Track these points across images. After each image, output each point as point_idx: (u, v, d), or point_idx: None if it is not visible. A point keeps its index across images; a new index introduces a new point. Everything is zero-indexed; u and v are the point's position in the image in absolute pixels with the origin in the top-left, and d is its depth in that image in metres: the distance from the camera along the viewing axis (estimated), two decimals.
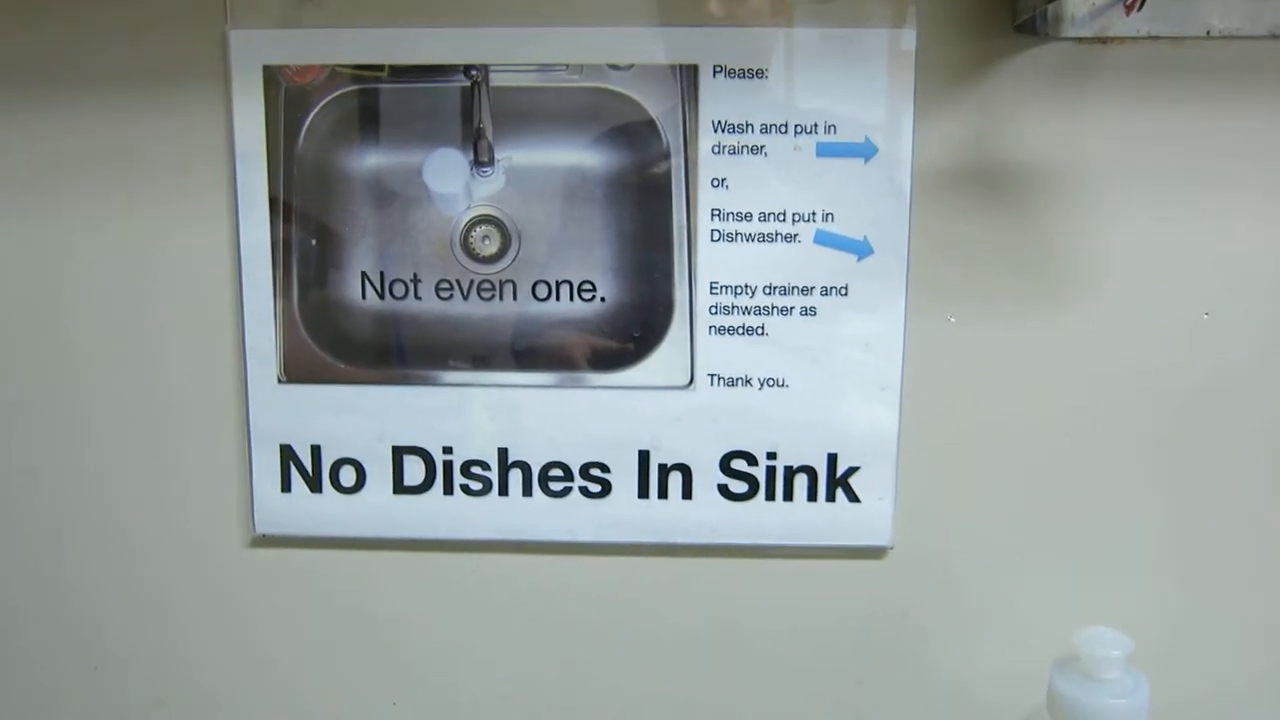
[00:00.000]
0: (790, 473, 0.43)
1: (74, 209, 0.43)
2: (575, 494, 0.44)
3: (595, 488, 0.44)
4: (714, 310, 0.42)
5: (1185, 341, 0.42)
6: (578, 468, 0.43)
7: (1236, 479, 0.43)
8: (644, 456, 0.43)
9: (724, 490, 0.43)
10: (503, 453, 0.43)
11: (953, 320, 0.43)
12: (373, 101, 0.41)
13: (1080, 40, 0.41)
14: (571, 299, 0.42)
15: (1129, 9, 0.38)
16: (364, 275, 0.42)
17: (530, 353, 0.43)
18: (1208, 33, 0.41)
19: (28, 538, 0.45)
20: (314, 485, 0.44)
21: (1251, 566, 0.44)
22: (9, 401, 0.44)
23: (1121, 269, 0.42)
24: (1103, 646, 0.35)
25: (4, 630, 0.46)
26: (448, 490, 0.44)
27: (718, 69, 0.41)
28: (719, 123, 0.41)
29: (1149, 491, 0.43)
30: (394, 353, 0.43)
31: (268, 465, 0.44)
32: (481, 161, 0.42)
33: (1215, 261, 0.42)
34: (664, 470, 0.43)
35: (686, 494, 0.43)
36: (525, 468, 0.44)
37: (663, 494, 0.43)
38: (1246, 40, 0.41)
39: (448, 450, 0.43)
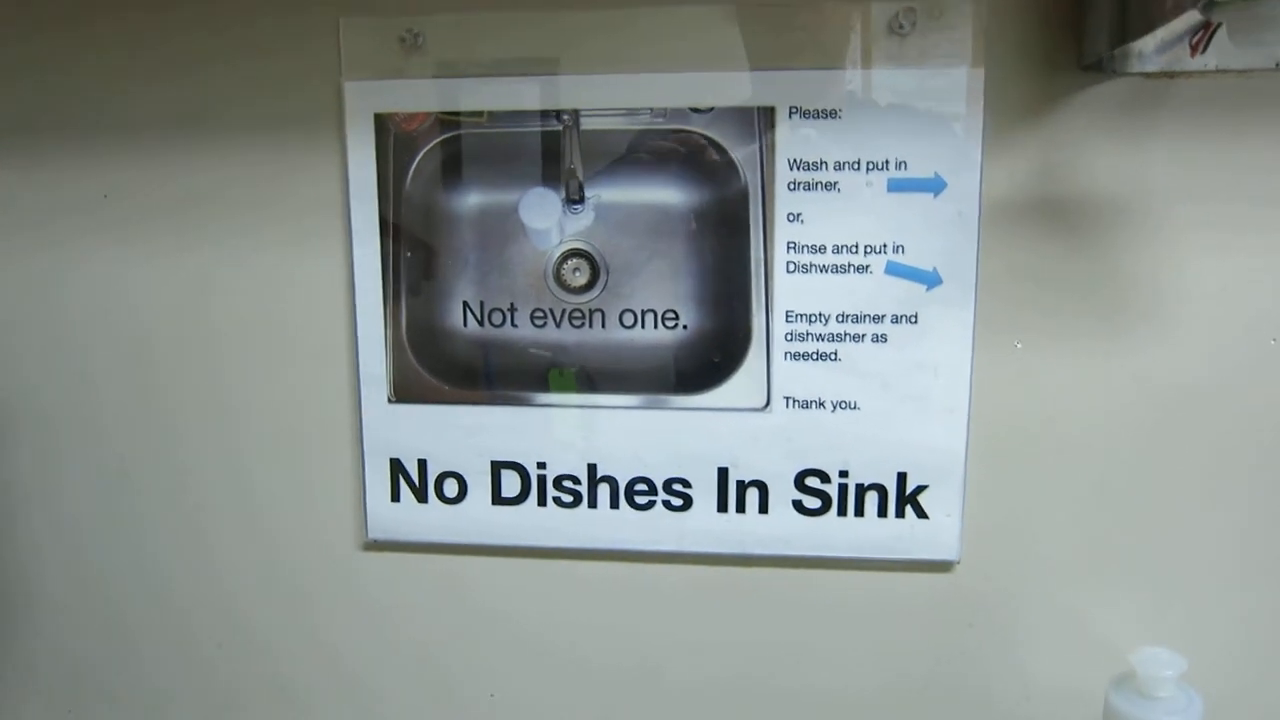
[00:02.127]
0: (861, 490, 0.46)
1: (212, 245, 0.47)
2: (659, 507, 0.47)
3: (677, 501, 0.47)
4: (789, 337, 0.45)
5: (1251, 367, 0.43)
6: (661, 483, 0.47)
7: None
8: (723, 474, 0.46)
9: (798, 505, 0.46)
10: (592, 468, 0.47)
11: (1019, 346, 0.45)
12: (473, 144, 0.45)
13: (1148, 75, 0.42)
14: (656, 326, 0.45)
15: (1194, 49, 0.40)
16: (465, 304, 0.46)
17: (618, 376, 0.46)
18: (1276, 65, 0.42)
19: (178, 530, 0.51)
20: (420, 496, 0.48)
21: None
22: (163, 411, 0.49)
23: (1187, 296, 0.43)
24: (1157, 666, 0.37)
25: (152, 605, 0.52)
26: (541, 502, 0.47)
27: (793, 110, 0.43)
28: (794, 160, 0.44)
29: (1212, 515, 0.45)
30: (493, 375, 0.47)
31: (379, 477, 0.48)
32: (573, 199, 0.45)
33: (1276, 288, 0.43)
34: (741, 486, 0.46)
35: (763, 509, 0.46)
36: (613, 482, 0.47)
37: (740, 508, 0.46)
38: None
39: (541, 465, 0.47)
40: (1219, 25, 0.38)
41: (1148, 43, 0.41)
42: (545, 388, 0.46)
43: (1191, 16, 0.37)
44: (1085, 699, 0.43)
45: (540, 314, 0.46)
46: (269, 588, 0.51)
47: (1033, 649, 0.46)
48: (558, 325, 0.46)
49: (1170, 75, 0.42)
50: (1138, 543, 0.45)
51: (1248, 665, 0.45)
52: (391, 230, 0.46)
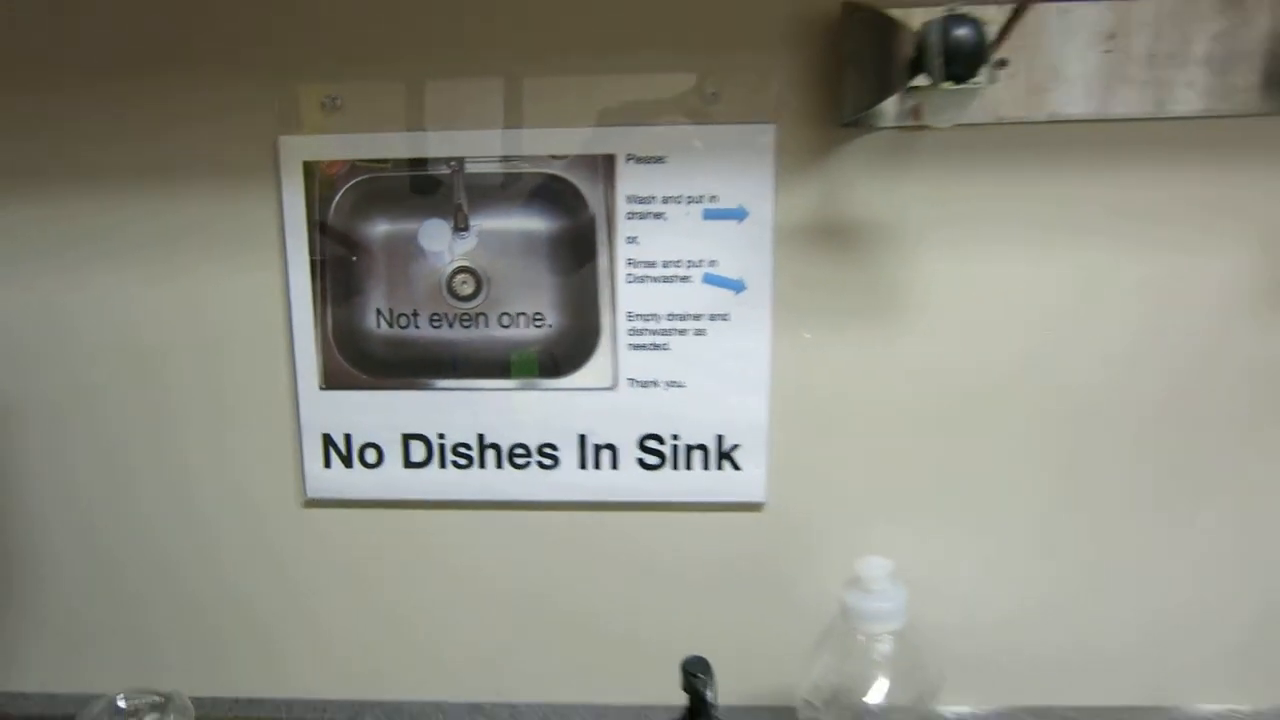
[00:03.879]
0: (689, 449, 0.59)
1: (181, 270, 0.59)
2: (533, 466, 0.60)
3: (548, 462, 0.60)
4: (630, 333, 0.58)
5: (980, 350, 0.57)
6: (535, 447, 0.60)
7: (1009, 456, 0.58)
8: (582, 439, 0.59)
9: (641, 463, 0.59)
10: (480, 437, 0.60)
11: (808, 336, 0.58)
12: (381, 185, 0.57)
13: (901, 129, 0.55)
14: (527, 326, 0.58)
15: (914, 114, 0.53)
16: (378, 310, 0.59)
17: (498, 365, 0.59)
18: (999, 120, 0.55)
19: (162, 499, 0.63)
20: (347, 463, 0.61)
21: (1012, 523, 0.59)
22: (153, 404, 0.61)
23: (935, 297, 0.57)
24: (872, 568, 0.50)
25: (142, 559, 0.64)
26: (442, 465, 0.60)
27: (630, 156, 0.56)
28: (631, 195, 0.57)
29: (955, 466, 0.59)
30: (402, 366, 0.59)
31: (314, 449, 0.61)
32: (460, 228, 0.57)
33: (1003, 289, 0.57)
34: (597, 449, 0.59)
35: (614, 465, 0.59)
36: (497, 448, 0.60)
37: (596, 466, 0.60)
38: (1028, 124, 0.55)
39: (441, 436, 0.60)
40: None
41: (886, 107, 0.54)
42: (440, 375, 0.59)
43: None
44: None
45: (437, 317, 0.58)
46: (237, 538, 0.63)
47: (823, 564, 0.59)
48: (450, 326, 0.58)
49: (918, 128, 0.56)
50: (901, 485, 0.59)
51: (949, 568, 0.59)
52: (318, 254, 0.58)
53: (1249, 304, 0.56)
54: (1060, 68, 0.53)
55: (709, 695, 0.49)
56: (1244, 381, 0.57)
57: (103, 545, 0.64)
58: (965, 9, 0.46)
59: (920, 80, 0.47)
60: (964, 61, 0.45)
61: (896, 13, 0.50)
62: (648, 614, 0.62)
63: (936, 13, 0.46)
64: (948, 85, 0.45)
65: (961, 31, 0.45)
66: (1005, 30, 0.46)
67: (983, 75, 0.45)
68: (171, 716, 0.55)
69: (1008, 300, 0.57)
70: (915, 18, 0.48)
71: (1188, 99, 0.53)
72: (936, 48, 0.45)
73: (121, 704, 0.55)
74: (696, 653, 0.50)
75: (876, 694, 0.50)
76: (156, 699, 0.56)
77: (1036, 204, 0.56)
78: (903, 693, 0.51)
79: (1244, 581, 0.59)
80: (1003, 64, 0.52)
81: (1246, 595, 0.59)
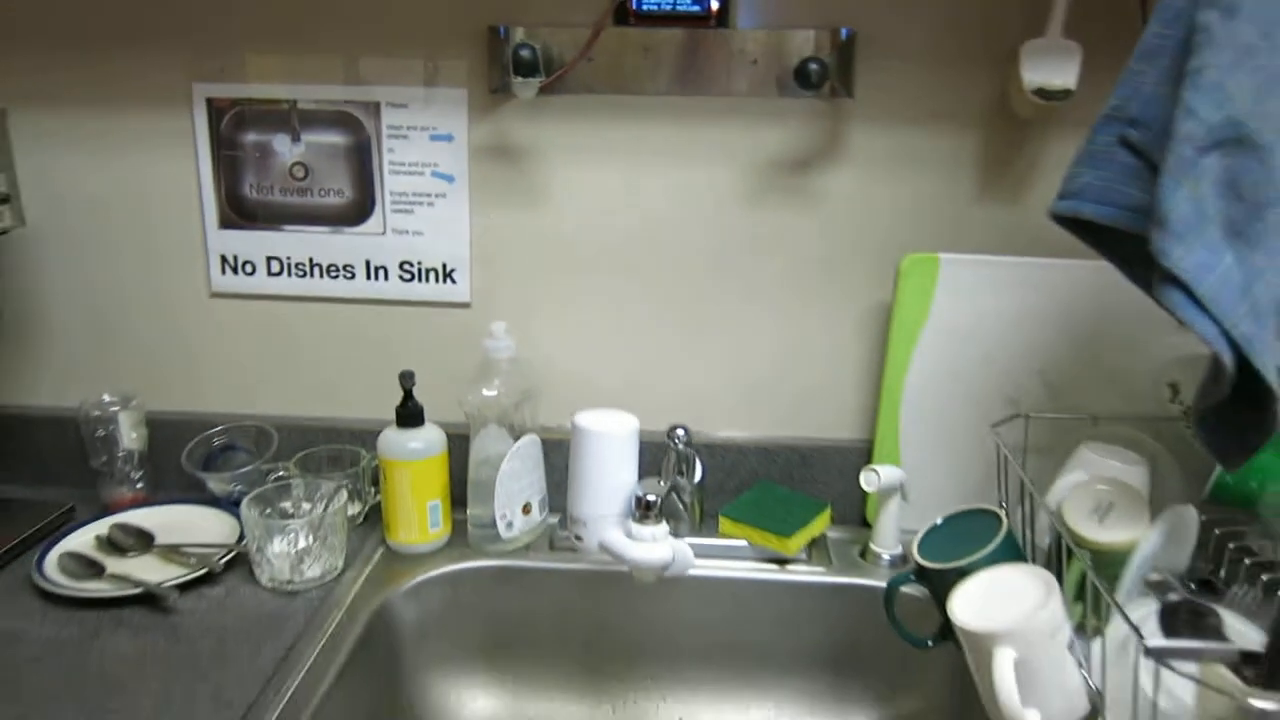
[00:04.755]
0: (427, 270, 1.06)
1: (131, 166, 1.04)
2: (341, 278, 1.06)
3: (348, 275, 1.06)
4: (392, 203, 1.04)
5: (590, 222, 1.04)
6: (341, 266, 1.06)
7: (610, 280, 1.05)
8: (368, 262, 1.06)
9: (400, 278, 1.06)
10: (309, 259, 1.06)
11: (492, 210, 1.04)
12: (251, 113, 1.02)
13: (539, 94, 1.01)
14: (334, 196, 1.04)
15: (543, 87, 0.98)
16: (250, 184, 1.04)
17: (319, 218, 1.05)
18: (589, 91, 1.00)
19: (120, 286, 1.09)
20: (235, 272, 1.07)
21: (618, 317, 1.06)
22: (135, 242, 1.07)
23: (563, 191, 1.02)
24: (497, 328, 0.98)
25: (96, 328, 1.11)
26: (289, 275, 1.06)
27: (388, 103, 1.01)
28: (390, 125, 1.02)
29: (577, 286, 1.05)
30: (265, 217, 1.05)
31: (215, 264, 1.07)
32: (295, 140, 1.03)
33: (603, 186, 1.03)
34: (375, 268, 1.06)
35: (385, 279, 1.06)
36: (320, 266, 1.06)
37: (375, 278, 1.06)
38: (597, 94, 1.00)
39: (288, 258, 1.06)
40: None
41: (524, 88, 0.99)
42: (287, 222, 1.05)
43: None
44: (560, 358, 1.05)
45: (283, 190, 1.04)
46: (177, 312, 1.10)
47: (509, 339, 1.07)
48: (290, 195, 1.04)
49: (551, 93, 1.01)
50: (543, 295, 1.06)
51: (577, 339, 1.07)
52: (216, 151, 1.03)
53: (734, 198, 1.02)
54: (621, 66, 0.98)
55: (413, 395, 0.97)
56: (738, 240, 1.04)
57: (91, 310, 1.11)
58: (544, 33, 0.91)
59: (514, 77, 0.92)
60: (526, 70, 0.90)
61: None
62: (400, 358, 1.09)
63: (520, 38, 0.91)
64: (518, 80, 0.91)
65: (524, 53, 0.90)
66: (584, 50, 0.92)
67: (537, 77, 0.91)
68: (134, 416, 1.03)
69: (606, 192, 1.03)
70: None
71: (729, 85, 0.98)
72: (511, 62, 0.90)
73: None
74: (406, 374, 0.98)
75: (491, 388, 0.98)
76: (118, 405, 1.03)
77: (609, 140, 1.01)
78: (510, 393, 0.99)
79: (744, 360, 1.07)
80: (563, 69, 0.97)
81: (747, 368, 1.07)
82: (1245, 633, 0.64)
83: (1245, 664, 0.57)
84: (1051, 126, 0.94)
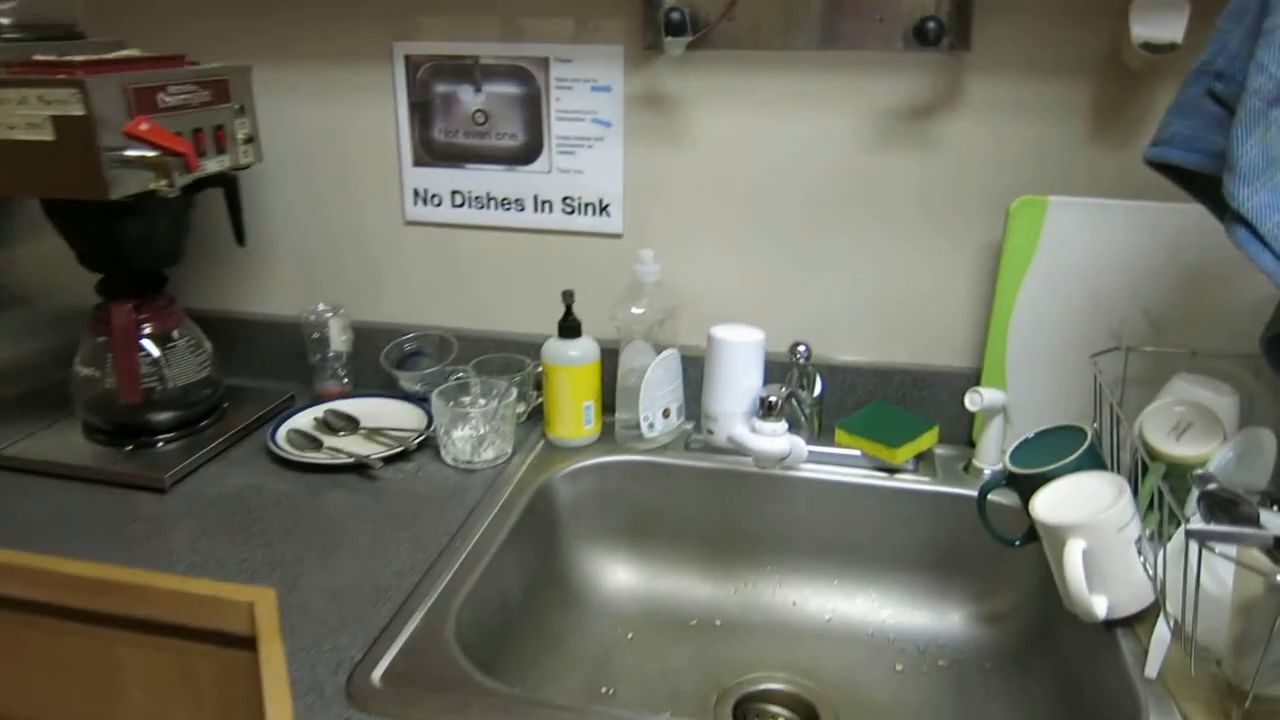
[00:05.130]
0: (585, 204, 1.22)
1: (341, 109, 1.24)
2: (512, 210, 1.24)
3: (518, 208, 1.23)
4: (558, 145, 1.20)
5: (735, 163, 1.17)
6: (512, 200, 1.23)
7: (753, 214, 1.18)
8: (535, 197, 1.22)
9: (563, 210, 1.22)
10: (486, 193, 1.24)
11: (643, 151, 1.19)
12: (442, 67, 1.20)
13: (687, 49, 1.14)
14: (508, 139, 1.21)
15: (691, 47, 1.11)
16: (439, 129, 1.22)
17: (496, 157, 1.22)
18: (732, 46, 1.13)
19: (340, 214, 1.30)
20: (425, 203, 1.26)
21: (758, 247, 1.19)
22: (343, 175, 1.28)
23: (712, 134, 1.16)
24: (645, 255, 1.12)
25: (319, 245, 1.32)
26: (470, 207, 1.24)
27: (556, 58, 1.17)
28: (557, 78, 1.17)
29: (725, 220, 1.19)
30: (450, 157, 1.23)
31: (409, 196, 1.26)
32: (477, 90, 1.20)
33: (747, 130, 1.15)
34: (544, 203, 1.23)
35: (550, 211, 1.23)
36: (495, 199, 1.24)
37: (541, 210, 1.23)
38: (740, 50, 1.12)
39: (469, 192, 1.24)
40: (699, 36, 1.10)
41: (670, 43, 1.12)
42: (469, 161, 1.23)
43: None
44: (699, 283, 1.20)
45: (466, 134, 1.21)
46: (376, 237, 1.30)
47: (655, 265, 1.22)
48: (471, 138, 1.21)
49: (692, 49, 1.14)
50: (693, 227, 1.20)
51: (722, 268, 1.21)
52: (412, 99, 1.22)
53: (857, 144, 1.13)
54: (759, 25, 1.10)
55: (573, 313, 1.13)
56: (859, 182, 1.15)
57: (309, 234, 1.32)
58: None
59: (665, 37, 1.06)
60: (675, 31, 1.03)
61: None
62: (561, 280, 1.26)
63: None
64: (669, 39, 1.04)
65: (674, 15, 1.03)
66: (726, 10, 1.04)
67: (685, 36, 1.04)
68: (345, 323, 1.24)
69: (743, 137, 1.16)
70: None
71: (855, 41, 1.09)
72: (662, 23, 1.03)
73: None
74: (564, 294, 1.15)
75: (639, 307, 1.13)
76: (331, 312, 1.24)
77: (747, 91, 1.14)
78: (655, 311, 1.14)
79: (863, 291, 1.19)
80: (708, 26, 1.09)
81: (866, 298, 1.19)
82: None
83: (1278, 548, 0.67)
84: (1159, 78, 1.00)
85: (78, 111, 0.90)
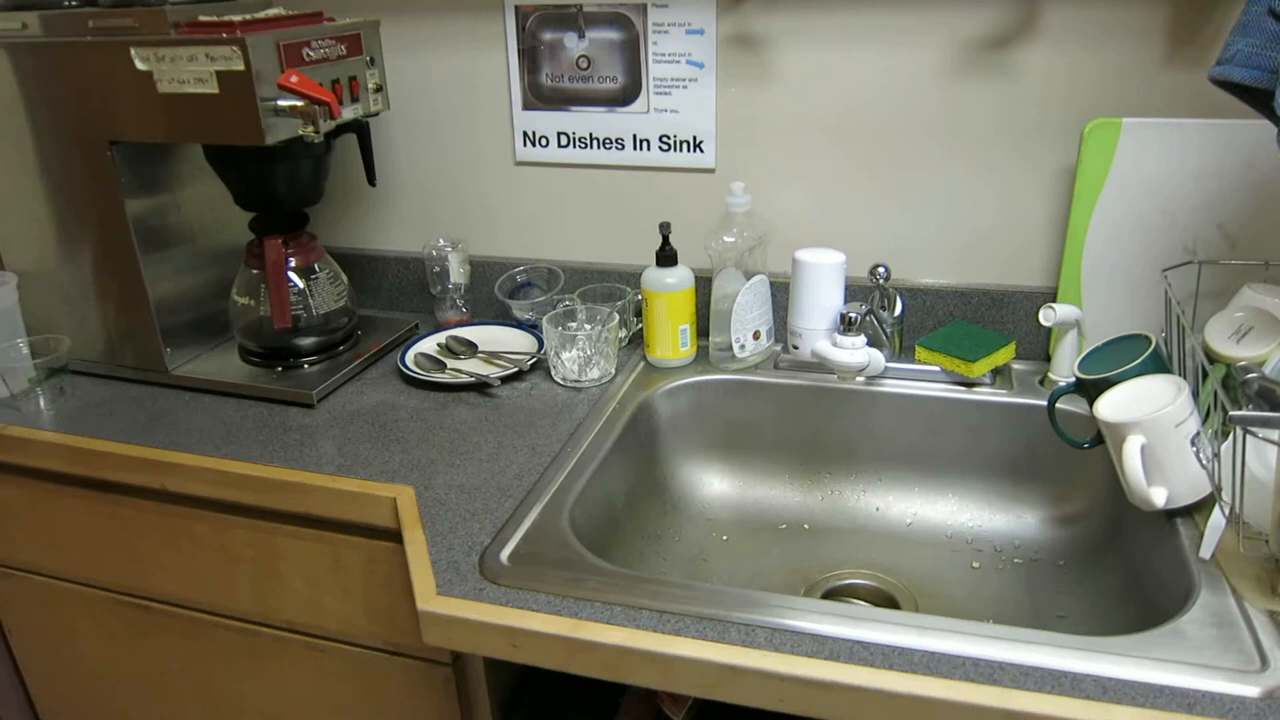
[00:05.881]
0: (680, 142, 1.31)
1: (473, 55, 1.35)
2: (613, 149, 1.34)
3: (618, 147, 1.33)
4: (655, 86, 1.29)
5: (822, 97, 1.24)
6: (613, 139, 1.33)
7: (843, 148, 1.26)
8: (634, 135, 1.32)
9: (659, 149, 1.32)
10: (590, 134, 1.34)
11: (733, 90, 1.27)
12: (548, 15, 1.30)
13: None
14: (610, 82, 1.31)
15: None
16: (545, 73, 1.33)
17: (599, 100, 1.32)
18: None
19: (452, 152, 1.42)
20: (533, 144, 1.37)
21: (848, 179, 1.27)
22: (452, 115, 1.40)
23: (800, 70, 1.23)
24: (737, 187, 1.21)
25: (434, 182, 1.45)
26: (574, 147, 1.35)
27: (653, 4, 1.25)
28: (654, 23, 1.26)
29: (814, 154, 1.27)
30: (556, 100, 1.33)
31: (519, 138, 1.37)
32: (580, 36, 1.29)
33: (835, 65, 1.23)
34: (643, 141, 1.32)
35: (647, 149, 1.32)
36: (598, 139, 1.34)
37: (639, 149, 1.32)
38: None
39: (574, 133, 1.35)
40: None
41: None
42: (574, 104, 1.33)
43: None
44: (786, 213, 1.28)
45: (571, 78, 1.31)
46: (489, 175, 1.42)
47: (746, 196, 1.31)
48: (575, 82, 1.31)
49: None
50: (783, 162, 1.28)
51: (815, 198, 1.29)
52: (522, 45, 1.32)
53: (936, 74, 1.19)
54: None
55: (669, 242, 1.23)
56: (937, 111, 1.21)
57: (430, 174, 1.45)
58: None
59: None
60: None
61: None
62: (658, 213, 1.36)
63: None
64: None
65: None
66: None
67: None
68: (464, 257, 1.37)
69: (826, 72, 1.23)
70: None
71: None
72: None
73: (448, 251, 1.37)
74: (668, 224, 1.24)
75: (730, 236, 1.23)
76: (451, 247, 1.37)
77: (830, 28, 1.21)
78: (746, 240, 1.23)
79: (942, 215, 1.25)
80: None
81: (945, 222, 1.26)
82: None
83: None
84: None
85: (239, 67, 1.04)
